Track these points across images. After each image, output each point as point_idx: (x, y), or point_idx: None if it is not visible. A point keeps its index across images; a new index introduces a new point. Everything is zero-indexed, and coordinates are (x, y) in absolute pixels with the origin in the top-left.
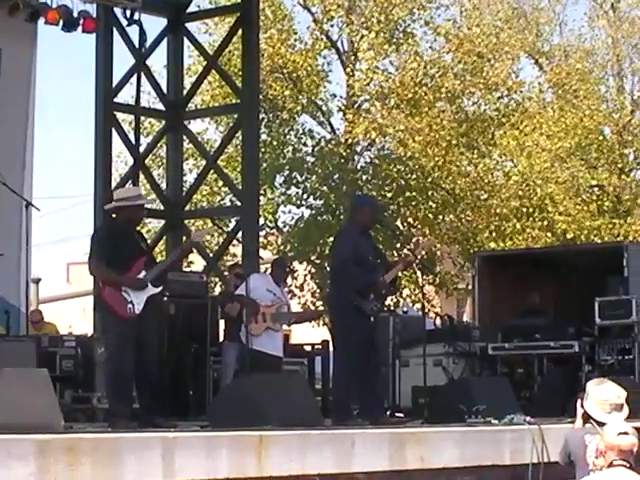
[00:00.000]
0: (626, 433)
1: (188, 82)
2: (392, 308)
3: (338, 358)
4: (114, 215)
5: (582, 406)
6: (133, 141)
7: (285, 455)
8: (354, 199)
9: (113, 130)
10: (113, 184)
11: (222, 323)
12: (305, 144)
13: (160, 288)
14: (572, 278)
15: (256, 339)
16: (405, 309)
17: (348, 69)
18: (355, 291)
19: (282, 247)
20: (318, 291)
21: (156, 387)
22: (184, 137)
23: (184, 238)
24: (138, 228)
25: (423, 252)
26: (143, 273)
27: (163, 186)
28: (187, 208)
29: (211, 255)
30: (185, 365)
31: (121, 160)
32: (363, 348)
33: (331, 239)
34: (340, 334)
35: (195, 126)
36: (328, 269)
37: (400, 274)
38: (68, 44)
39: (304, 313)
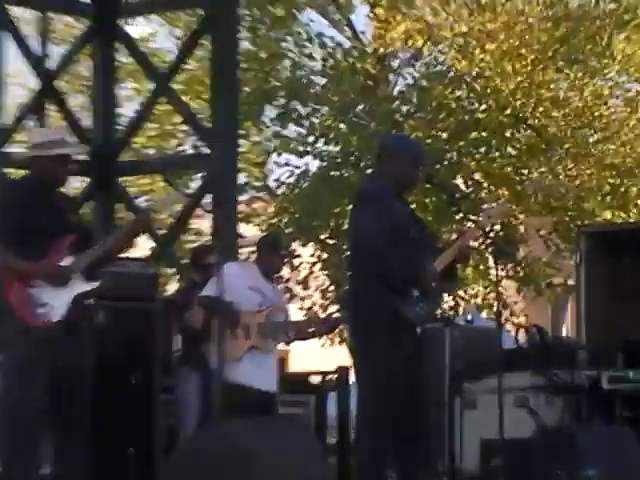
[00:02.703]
0: None
1: None
2: (449, 315)
3: (364, 396)
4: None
5: None
6: (39, 52)
7: None
8: (387, 141)
9: (5, 34)
10: (7, 120)
11: (179, 339)
12: (311, 56)
13: (96, 284)
14: None
15: (234, 365)
16: (470, 317)
17: None
18: (390, 287)
19: (275, 220)
20: (332, 288)
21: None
22: (117, 46)
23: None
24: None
25: (495, 223)
26: (69, 260)
27: (87, 124)
28: (124, 158)
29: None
30: (122, 406)
31: (18, 82)
32: (403, 379)
33: (350, 207)
34: (368, 357)
35: (137, 29)
36: (347, 254)
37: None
38: None
39: (309, 323)
